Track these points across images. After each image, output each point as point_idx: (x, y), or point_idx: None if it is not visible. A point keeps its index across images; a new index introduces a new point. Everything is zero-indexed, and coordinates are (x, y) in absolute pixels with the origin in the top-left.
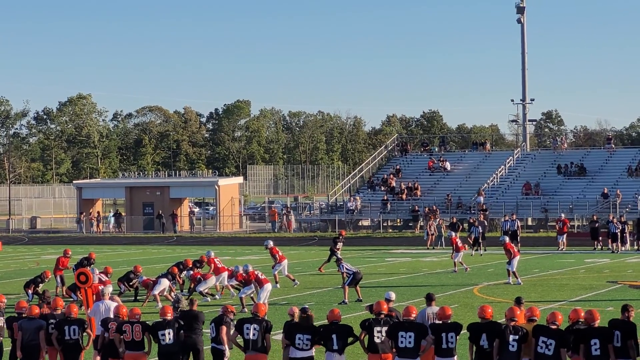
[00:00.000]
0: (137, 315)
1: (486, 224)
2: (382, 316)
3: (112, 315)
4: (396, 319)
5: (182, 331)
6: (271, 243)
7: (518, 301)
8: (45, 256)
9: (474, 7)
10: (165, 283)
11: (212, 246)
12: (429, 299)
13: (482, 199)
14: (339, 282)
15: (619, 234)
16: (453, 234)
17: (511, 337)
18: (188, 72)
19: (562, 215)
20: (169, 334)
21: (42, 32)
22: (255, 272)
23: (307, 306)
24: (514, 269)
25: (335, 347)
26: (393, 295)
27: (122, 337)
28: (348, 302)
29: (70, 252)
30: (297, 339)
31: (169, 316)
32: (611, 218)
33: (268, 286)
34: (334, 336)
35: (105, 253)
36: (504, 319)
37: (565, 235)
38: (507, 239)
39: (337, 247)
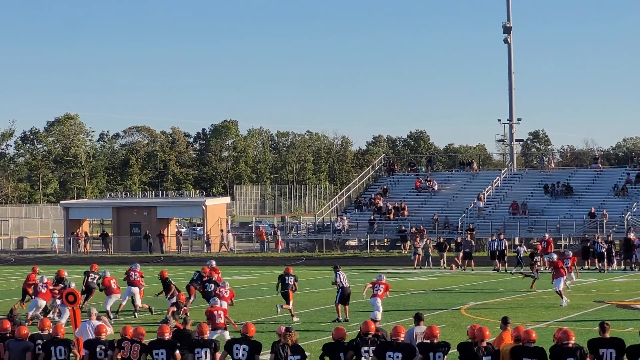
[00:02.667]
0: (140, 336)
1: (473, 243)
2: (370, 336)
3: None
4: (383, 338)
5: (177, 351)
6: (214, 263)
7: (504, 321)
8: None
9: (461, 28)
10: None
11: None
12: (418, 318)
13: (481, 203)
14: (325, 302)
15: (605, 253)
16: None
17: (485, 358)
18: (175, 92)
19: (547, 235)
20: (162, 353)
21: (29, 52)
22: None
23: (290, 327)
24: (559, 289)
25: None
26: (379, 315)
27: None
28: (342, 319)
29: (38, 269)
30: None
31: (167, 336)
32: (596, 238)
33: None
34: (341, 354)
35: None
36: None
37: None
38: (555, 256)
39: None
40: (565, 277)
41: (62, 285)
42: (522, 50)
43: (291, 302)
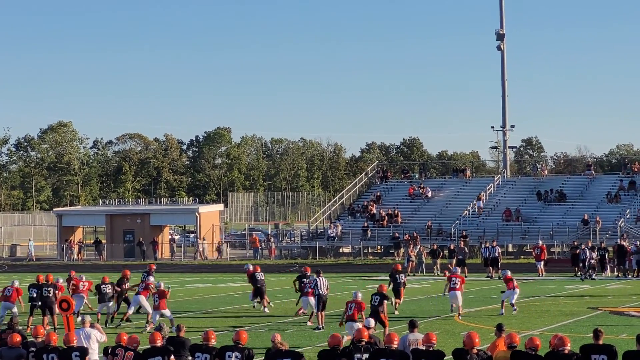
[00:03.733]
0: (135, 344)
1: (466, 250)
2: (363, 343)
3: (91, 344)
4: (376, 345)
5: (172, 356)
6: (251, 267)
7: (499, 328)
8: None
9: (454, 35)
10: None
11: (193, 273)
12: (412, 325)
13: (482, 203)
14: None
15: (588, 260)
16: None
17: None
18: (169, 99)
19: (540, 242)
20: None
21: (22, 59)
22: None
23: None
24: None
25: None
26: (372, 322)
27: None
28: (323, 327)
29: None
30: None
31: (159, 343)
32: (582, 246)
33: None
34: None
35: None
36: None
37: (542, 262)
38: (508, 272)
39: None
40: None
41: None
42: (515, 57)
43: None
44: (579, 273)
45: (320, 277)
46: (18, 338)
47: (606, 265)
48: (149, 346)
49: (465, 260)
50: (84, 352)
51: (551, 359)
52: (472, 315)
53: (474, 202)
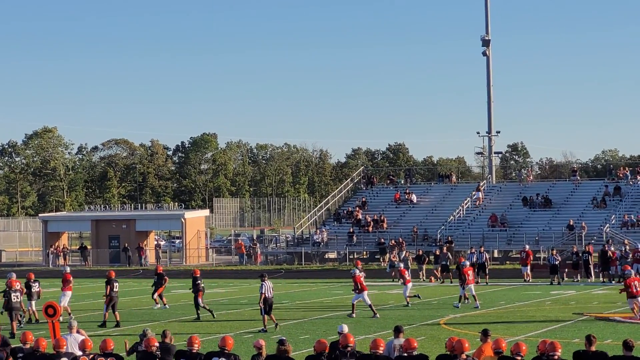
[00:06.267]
0: (111, 348)
1: (449, 256)
2: (349, 349)
3: (77, 350)
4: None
5: None
6: (357, 272)
7: (485, 333)
8: None
9: (440, 40)
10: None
11: (179, 279)
12: (397, 330)
13: (480, 194)
14: (303, 315)
15: (558, 265)
16: (401, 265)
17: None
18: (154, 105)
19: (527, 246)
20: None
21: (6, 64)
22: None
23: (284, 338)
24: (473, 293)
25: None
26: (346, 328)
27: None
28: (266, 328)
29: None
30: None
31: (155, 348)
32: (552, 251)
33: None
34: None
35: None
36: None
37: (529, 267)
38: (467, 263)
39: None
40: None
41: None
42: (501, 63)
43: None
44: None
45: (265, 282)
46: None
47: (590, 271)
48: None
49: (449, 266)
50: (73, 358)
51: None
52: (458, 322)
53: (474, 192)
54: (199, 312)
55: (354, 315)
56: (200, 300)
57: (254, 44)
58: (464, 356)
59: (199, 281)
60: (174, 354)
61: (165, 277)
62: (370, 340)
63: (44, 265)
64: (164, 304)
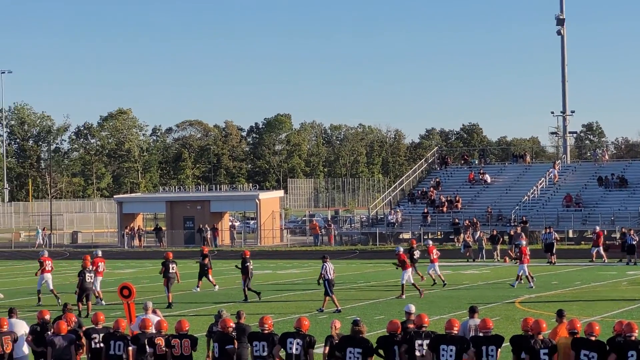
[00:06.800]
0: (186, 329)
1: (523, 236)
2: (424, 329)
3: (154, 330)
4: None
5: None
6: (401, 249)
7: (560, 314)
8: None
9: (514, 20)
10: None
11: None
12: (472, 311)
13: (556, 171)
14: (378, 295)
15: (635, 245)
16: (401, 249)
17: (542, 352)
18: (228, 86)
19: (597, 227)
20: (216, 347)
21: (83, 47)
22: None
23: (358, 319)
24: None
25: (397, 358)
26: (413, 308)
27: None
28: (334, 310)
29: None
30: (349, 353)
31: (231, 329)
32: (629, 231)
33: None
34: (395, 347)
35: (146, 267)
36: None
37: (601, 248)
38: (523, 243)
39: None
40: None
41: None
42: (575, 42)
43: None
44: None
45: (327, 262)
46: (64, 325)
47: None
48: (219, 332)
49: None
50: (150, 338)
51: (616, 345)
52: (533, 301)
53: (551, 169)
54: (246, 293)
55: (403, 296)
56: (248, 282)
57: (328, 25)
58: (540, 336)
59: (248, 263)
60: (247, 335)
61: (208, 257)
62: (445, 321)
63: (119, 246)
64: (214, 285)
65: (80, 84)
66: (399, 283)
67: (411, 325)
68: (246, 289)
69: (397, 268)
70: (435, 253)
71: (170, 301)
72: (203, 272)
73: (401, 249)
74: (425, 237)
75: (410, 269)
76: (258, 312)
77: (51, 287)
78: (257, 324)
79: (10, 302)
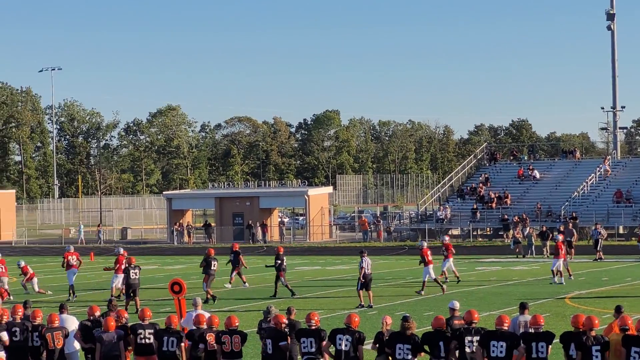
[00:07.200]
0: (236, 325)
1: (574, 232)
2: (474, 325)
3: (205, 326)
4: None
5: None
6: (425, 244)
7: (618, 310)
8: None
9: (563, 15)
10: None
11: (303, 256)
12: (523, 307)
13: (607, 166)
14: (427, 292)
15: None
16: (424, 244)
17: (594, 348)
18: (277, 82)
19: None
20: (269, 343)
21: (132, 43)
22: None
23: (408, 315)
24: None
25: (443, 354)
26: (457, 304)
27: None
28: (365, 305)
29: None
30: (398, 349)
31: (284, 325)
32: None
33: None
34: (441, 343)
35: (195, 263)
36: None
37: None
38: (560, 237)
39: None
40: (563, 259)
41: None
42: (625, 37)
43: None
44: None
45: (364, 257)
46: (113, 322)
47: None
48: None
49: (572, 242)
50: (201, 334)
51: None
52: (583, 297)
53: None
54: (277, 289)
55: (422, 292)
56: (282, 279)
57: (376, 21)
58: (593, 333)
59: (280, 260)
60: (295, 332)
61: (240, 255)
62: (494, 317)
63: (169, 242)
64: (244, 282)
65: (129, 81)
66: (448, 279)
67: (456, 322)
68: (278, 285)
69: (419, 264)
70: (452, 250)
71: (209, 297)
72: (234, 268)
73: (425, 244)
74: (474, 233)
75: (432, 265)
76: (307, 308)
77: (71, 282)
78: (304, 320)
79: (59, 298)
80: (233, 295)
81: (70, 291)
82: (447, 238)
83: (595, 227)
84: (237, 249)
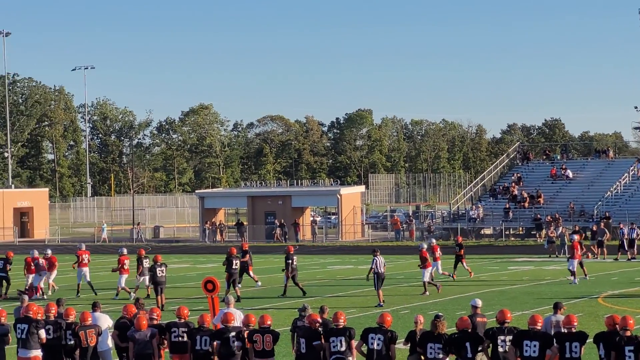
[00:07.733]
0: (269, 323)
1: (606, 231)
2: (507, 324)
3: (240, 324)
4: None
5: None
6: (434, 241)
7: None
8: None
9: (596, 14)
10: None
11: (334, 255)
12: (556, 307)
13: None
14: (460, 291)
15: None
16: (424, 245)
17: (626, 349)
18: (309, 81)
19: None
20: (303, 342)
21: (164, 42)
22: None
23: (440, 314)
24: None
25: (470, 355)
26: (479, 302)
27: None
28: (383, 304)
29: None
30: (429, 348)
31: (318, 325)
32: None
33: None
34: (467, 344)
35: None
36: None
37: None
38: (576, 237)
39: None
40: (578, 259)
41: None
42: None
43: None
44: None
45: (377, 257)
46: (145, 321)
47: None
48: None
49: (605, 242)
50: (238, 332)
51: None
52: (616, 297)
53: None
54: (286, 288)
55: (427, 293)
56: (286, 277)
57: (408, 20)
58: (628, 333)
59: (290, 260)
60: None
61: (249, 254)
62: (527, 317)
63: (201, 241)
64: (256, 281)
65: (162, 80)
66: (478, 279)
67: (479, 319)
68: (287, 284)
69: (418, 267)
70: (438, 252)
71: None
72: (243, 269)
73: (425, 246)
74: (507, 232)
75: (431, 267)
76: (339, 307)
77: (88, 279)
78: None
79: (92, 297)
80: (265, 294)
81: (80, 288)
82: (434, 240)
83: (630, 227)
84: (246, 248)
